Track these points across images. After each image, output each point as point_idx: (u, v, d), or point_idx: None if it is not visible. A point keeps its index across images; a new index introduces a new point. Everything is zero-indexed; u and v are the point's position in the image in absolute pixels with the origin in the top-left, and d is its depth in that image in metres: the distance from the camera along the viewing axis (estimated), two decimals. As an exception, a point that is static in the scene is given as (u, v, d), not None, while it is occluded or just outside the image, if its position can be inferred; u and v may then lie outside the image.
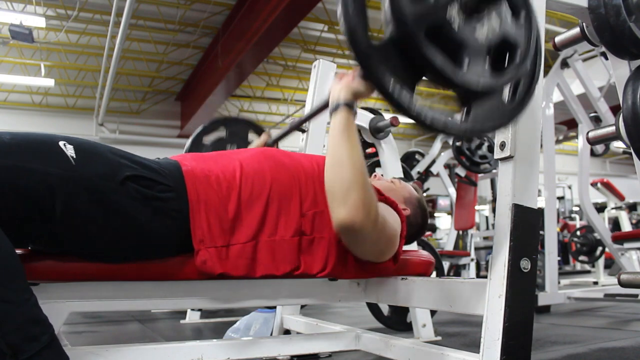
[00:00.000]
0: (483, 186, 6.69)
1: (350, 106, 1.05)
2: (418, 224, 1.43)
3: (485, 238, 6.29)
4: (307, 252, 1.16)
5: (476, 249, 5.30)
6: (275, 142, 1.75)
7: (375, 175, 1.46)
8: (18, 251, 0.98)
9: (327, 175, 1.04)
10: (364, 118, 2.20)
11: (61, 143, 0.96)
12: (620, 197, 5.04)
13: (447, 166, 5.26)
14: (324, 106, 1.23)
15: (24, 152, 0.91)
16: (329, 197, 1.03)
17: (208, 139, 1.98)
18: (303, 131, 2.12)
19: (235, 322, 2.15)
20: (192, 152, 1.99)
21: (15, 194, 0.88)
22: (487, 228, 9.45)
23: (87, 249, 1.01)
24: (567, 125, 6.40)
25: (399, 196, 1.39)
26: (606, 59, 2.72)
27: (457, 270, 4.52)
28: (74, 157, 0.95)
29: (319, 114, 1.39)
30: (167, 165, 1.11)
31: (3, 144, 0.90)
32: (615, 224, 6.16)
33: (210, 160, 1.18)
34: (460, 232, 4.86)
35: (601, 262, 5.01)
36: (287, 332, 1.87)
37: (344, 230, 1.01)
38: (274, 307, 1.96)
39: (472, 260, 4.51)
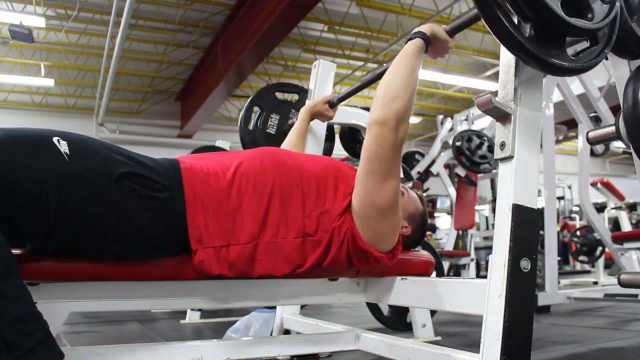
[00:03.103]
0: (483, 186, 6.69)
1: (425, 39, 1.19)
2: (415, 239, 1.42)
3: (486, 238, 6.29)
4: (310, 252, 1.15)
5: (476, 249, 5.30)
6: (340, 101, 1.81)
7: None
8: (17, 251, 0.98)
9: (382, 82, 1.15)
10: (363, 118, 2.20)
11: (55, 139, 0.96)
12: (620, 197, 5.03)
13: (447, 166, 5.26)
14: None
15: (17, 148, 0.91)
16: (376, 99, 1.14)
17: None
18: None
19: (235, 322, 2.15)
20: (267, 90, 2.16)
21: (5, 190, 0.88)
22: (487, 228, 9.45)
23: (83, 247, 1.00)
24: (567, 125, 6.40)
25: (404, 212, 1.34)
26: (606, 59, 2.72)
27: (457, 270, 4.51)
28: (68, 153, 0.95)
29: None
30: (164, 163, 1.10)
31: None
32: (615, 224, 6.16)
33: (210, 159, 1.17)
34: (460, 232, 4.86)
35: (601, 262, 5.00)
36: (287, 332, 1.87)
37: (375, 125, 1.10)
38: (274, 307, 1.96)
39: (472, 260, 4.51)
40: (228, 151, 1.27)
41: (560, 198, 10.13)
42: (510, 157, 0.97)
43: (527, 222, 0.95)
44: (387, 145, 1.10)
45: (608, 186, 4.93)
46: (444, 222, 12.44)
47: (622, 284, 1.10)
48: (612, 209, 5.19)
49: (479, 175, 4.47)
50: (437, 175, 4.99)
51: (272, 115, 2.14)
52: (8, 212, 0.89)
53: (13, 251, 0.95)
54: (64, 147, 0.96)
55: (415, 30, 1.22)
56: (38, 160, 0.92)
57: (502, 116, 0.99)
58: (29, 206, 0.90)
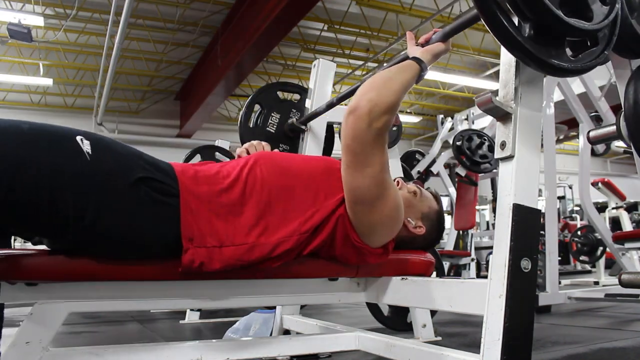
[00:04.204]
0: (483, 186, 6.68)
1: (419, 61, 1.19)
2: (431, 239, 1.40)
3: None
4: (303, 247, 1.15)
5: (476, 249, 5.30)
6: (340, 101, 1.85)
7: (397, 182, 1.38)
8: (17, 251, 0.98)
9: (368, 80, 1.14)
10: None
11: (78, 138, 0.97)
12: (621, 197, 5.02)
13: (448, 166, 5.25)
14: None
15: (40, 144, 0.92)
16: (357, 92, 1.11)
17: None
18: (303, 131, 2.12)
19: (234, 322, 2.15)
20: (268, 88, 2.21)
21: (24, 185, 0.88)
22: (487, 228, 9.45)
23: (90, 246, 1.00)
24: (568, 124, 6.37)
25: (417, 212, 1.35)
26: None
27: (457, 270, 4.51)
28: (90, 152, 0.96)
29: None
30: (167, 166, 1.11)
31: (21, 132, 0.92)
32: (616, 223, 6.15)
33: (201, 165, 1.19)
34: (461, 232, 4.85)
35: (602, 262, 4.99)
36: (286, 332, 1.87)
37: (347, 114, 1.07)
38: (274, 308, 1.95)
39: (472, 260, 4.51)
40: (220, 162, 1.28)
41: (561, 198, 10.13)
42: (510, 157, 0.97)
43: (527, 222, 0.95)
44: (357, 135, 1.06)
45: (609, 186, 4.92)
46: (444, 221, 12.41)
47: (623, 284, 1.10)
48: (613, 208, 5.19)
49: (479, 175, 4.46)
50: (438, 174, 4.99)
51: (272, 114, 2.14)
52: (25, 208, 0.90)
53: (14, 250, 0.96)
54: (86, 146, 0.96)
55: (412, 55, 1.22)
56: (59, 157, 0.93)
57: (503, 115, 0.98)
58: (43, 202, 0.90)
